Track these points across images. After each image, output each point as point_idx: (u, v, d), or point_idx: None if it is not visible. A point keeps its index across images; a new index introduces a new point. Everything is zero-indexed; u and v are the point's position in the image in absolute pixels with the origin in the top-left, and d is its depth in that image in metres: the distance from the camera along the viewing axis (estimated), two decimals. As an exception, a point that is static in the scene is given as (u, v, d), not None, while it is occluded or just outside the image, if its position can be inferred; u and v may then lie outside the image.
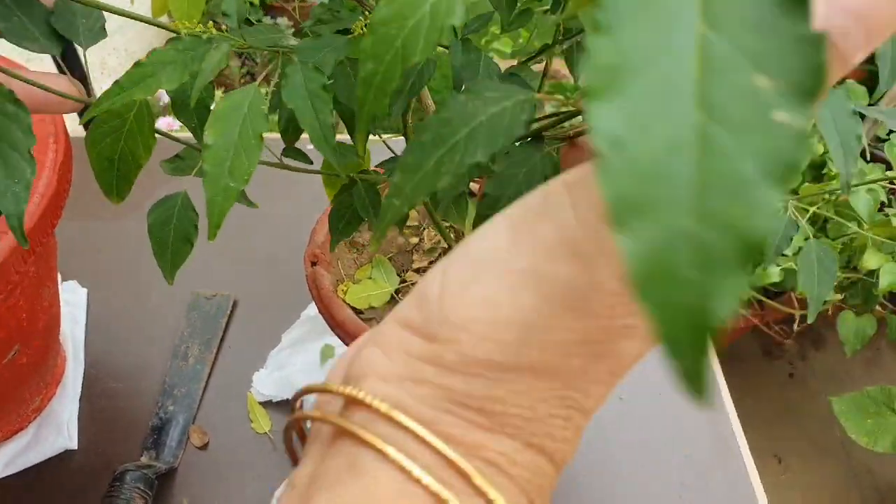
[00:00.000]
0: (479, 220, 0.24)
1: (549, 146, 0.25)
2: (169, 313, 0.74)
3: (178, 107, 0.31)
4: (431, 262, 0.58)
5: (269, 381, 0.67)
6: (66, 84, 0.32)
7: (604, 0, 0.12)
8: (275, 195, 0.72)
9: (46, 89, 0.30)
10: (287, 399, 0.66)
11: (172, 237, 0.32)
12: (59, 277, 0.68)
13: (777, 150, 0.12)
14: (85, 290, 0.74)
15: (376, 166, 0.45)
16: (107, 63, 1.88)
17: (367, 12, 0.31)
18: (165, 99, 1.69)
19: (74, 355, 0.69)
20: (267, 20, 1.74)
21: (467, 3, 0.18)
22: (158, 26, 0.29)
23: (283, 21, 1.72)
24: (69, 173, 0.51)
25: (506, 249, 0.18)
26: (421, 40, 0.17)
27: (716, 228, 0.12)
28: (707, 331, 0.12)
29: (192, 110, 0.30)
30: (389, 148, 0.51)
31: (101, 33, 0.32)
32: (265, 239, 0.81)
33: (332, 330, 0.50)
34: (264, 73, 0.24)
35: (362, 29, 0.28)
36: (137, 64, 0.25)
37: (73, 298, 0.74)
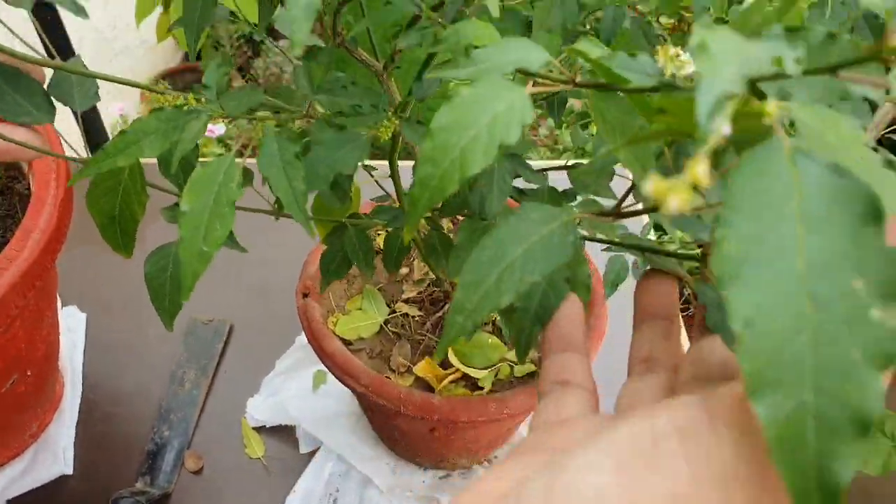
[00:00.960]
0: (520, 333, 0.26)
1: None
2: (166, 338, 0.75)
3: (164, 166, 0.33)
4: (420, 293, 0.59)
5: (264, 407, 0.68)
6: (26, 135, 0.33)
7: (725, 199, 0.15)
8: (270, 223, 0.73)
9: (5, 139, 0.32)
10: (280, 425, 0.67)
11: (169, 284, 0.33)
12: (59, 302, 0.70)
13: (877, 342, 0.14)
14: (84, 315, 0.76)
15: (371, 211, 0.46)
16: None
17: (390, 112, 0.32)
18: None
19: (72, 380, 0.70)
20: (269, 42, 1.77)
21: (524, 124, 0.19)
22: (148, 89, 0.30)
23: (285, 43, 1.75)
24: (70, 209, 0.52)
25: (613, 489, 0.18)
26: (479, 153, 0.19)
27: (833, 404, 0.14)
28: (832, 490, 0.14)
29: (178, 169, 0.32)
30: (381, 186, 0.53)
31: (94, 97, 0.34)
32: (261, 265, 0.82)
33: (322, 361, 0.52)
34: (240, 142, 0.26)
35: (389, 134, 0.30)
36: (122, 132, 0.27)
37: (72, 323, 0.75)
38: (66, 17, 1.03)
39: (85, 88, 0.34)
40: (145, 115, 0.26)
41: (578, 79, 0.22)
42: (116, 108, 1.78)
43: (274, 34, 1.96)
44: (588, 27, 0.41)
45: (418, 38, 0.28)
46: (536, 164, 0.57)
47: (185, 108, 0.26)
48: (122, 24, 1.91)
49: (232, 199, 0.24)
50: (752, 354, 0.14)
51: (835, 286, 0.14)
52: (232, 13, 0.49)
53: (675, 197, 0.14)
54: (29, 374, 0.57)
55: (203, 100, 0.27)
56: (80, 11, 0.24)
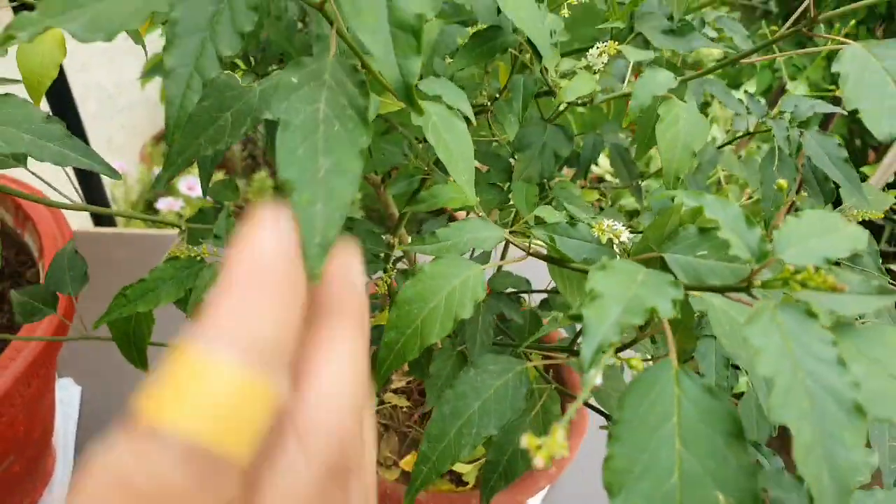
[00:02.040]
0: (486, 483, 0.29)
1: (534, 412, 0.30)
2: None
3: (181, 305, 0.36)
4: (409, 383, 0.61)
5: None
6: None
7: (617, 417, 0.18)
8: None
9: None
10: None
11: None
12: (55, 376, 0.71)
13: None
14: (79, 389, 0.77)
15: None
16: (113, 140, 1.94)
17: (387, 268, 0.35)
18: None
19: (64, 455, 0.71)
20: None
21: (476, 300, 0.22)
22: (171, 223, 0.33)
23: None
24: (74, 302, 0.55)
25: None
26: (437, 324, 0.22)
27: None
28: None
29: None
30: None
31: (84, 279, 0.41)
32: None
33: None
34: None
35: (385, 289, 0.33)
36: (141, 280, 0.30)
37: (66, 396, 0.76)
38: (71, 71, 1.02)
39: (75, 271, 0.40)
40: (162, 265, 0.29)
41: (532, 249, 0.25)
42: (116, 165, 1.82)
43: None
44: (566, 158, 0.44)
45: (405, 186, 0.32)
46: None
47: (199, 258, 0.30)
48: (125, 82, 1.96)
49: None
50: None
51: (702, 499, 0.17)
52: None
53: (542, 455, 0.16)
54: (25, 455, 0.59)
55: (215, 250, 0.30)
56: (115, 174, 0.27)
